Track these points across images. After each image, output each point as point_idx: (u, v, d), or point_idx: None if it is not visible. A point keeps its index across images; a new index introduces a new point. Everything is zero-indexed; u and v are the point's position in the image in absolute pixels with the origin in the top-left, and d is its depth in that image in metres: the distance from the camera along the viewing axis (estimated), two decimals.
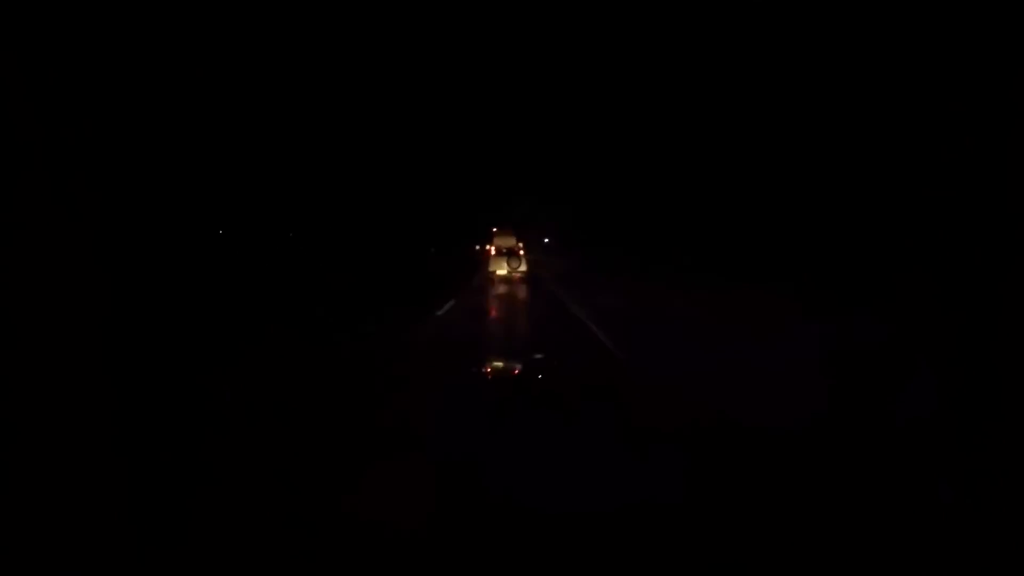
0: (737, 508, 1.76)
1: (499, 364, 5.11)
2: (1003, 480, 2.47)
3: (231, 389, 4.87)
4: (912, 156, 11.16)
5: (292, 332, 9.95)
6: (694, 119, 22.83)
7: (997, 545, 1.64)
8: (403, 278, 23.71)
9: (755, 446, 2.23)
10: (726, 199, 21.37)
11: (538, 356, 6.36)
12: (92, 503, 1.70)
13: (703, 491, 1.83)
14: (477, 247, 36.67)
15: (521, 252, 26.41)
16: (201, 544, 1.53)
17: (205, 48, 16.12)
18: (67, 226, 3.17)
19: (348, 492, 1.82)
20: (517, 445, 2.13)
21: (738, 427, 2.51)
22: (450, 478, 1.86)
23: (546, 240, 50.04)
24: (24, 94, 3.04)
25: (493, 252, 26.66)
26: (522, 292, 21.30)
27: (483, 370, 4.14)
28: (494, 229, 29.48)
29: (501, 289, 21.88)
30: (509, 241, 26.99)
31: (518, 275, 24.86)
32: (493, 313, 15.99)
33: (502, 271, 25.06)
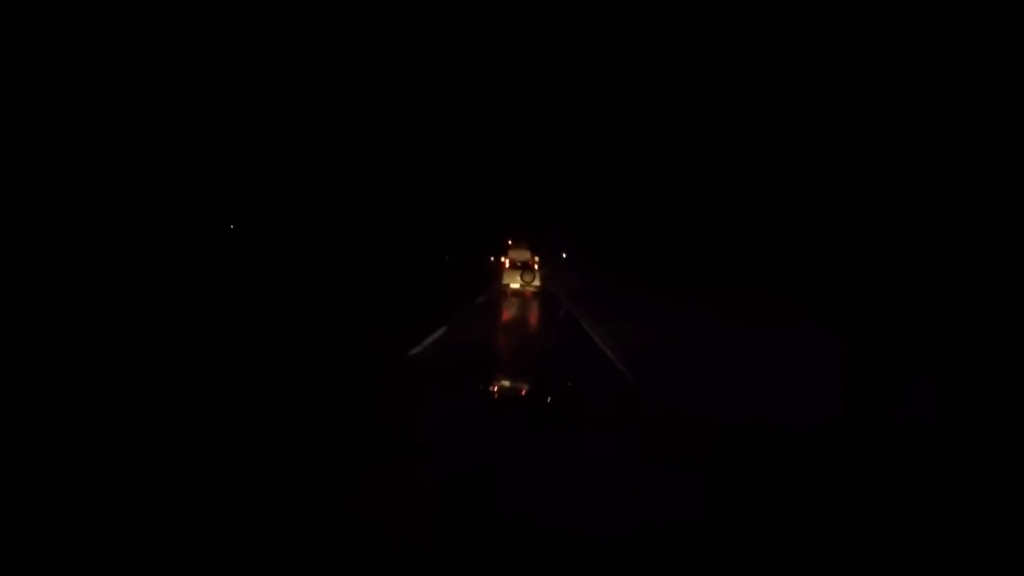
0: (747, 518, 1.75)
1: (507, 383, 4.98)
2: (1003, 479, 2.47)
3: (231, 389, 4.86)
4: (912, 156, 11.16)
5: (292, 332, 9.95)
6: (703, 123, 22.88)
7: (997, 545, 1.64)
8: (395, 290, 21.28)
9: (767, 452, 2.22)
10: (733, 200, 21.39)
11: (547, 375, 6.25)
12: (92, 503, 1.70)
13: (717, 510, 1.83)
14: (492, 258, 36.67)
15: (536, 266, 26.38)
16: (200, 544, 1.53)
17: (209, 51, 16.12)
18: (67, 226, 3.17)
19: (348, 495, 1.82)
20: (525, 468, 2.11)
21: (747, 433, 2.51)
22: (456, 499, 1.84)
23: (564, 255, 48.71)
24: (24, 94, 3.04)
25: (508, 265, 26.44)
26: (533, 315, 18.70)
27: (490, 389, 4.05)
28: (509, 242, 29.49)
29: (509, 311, 19.28)
30: (524, 255, 26.80)
31: (531, 290, 24.60)
32: (493, 348, 12.15)
33: (515, 284, 24.80)
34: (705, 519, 1.78)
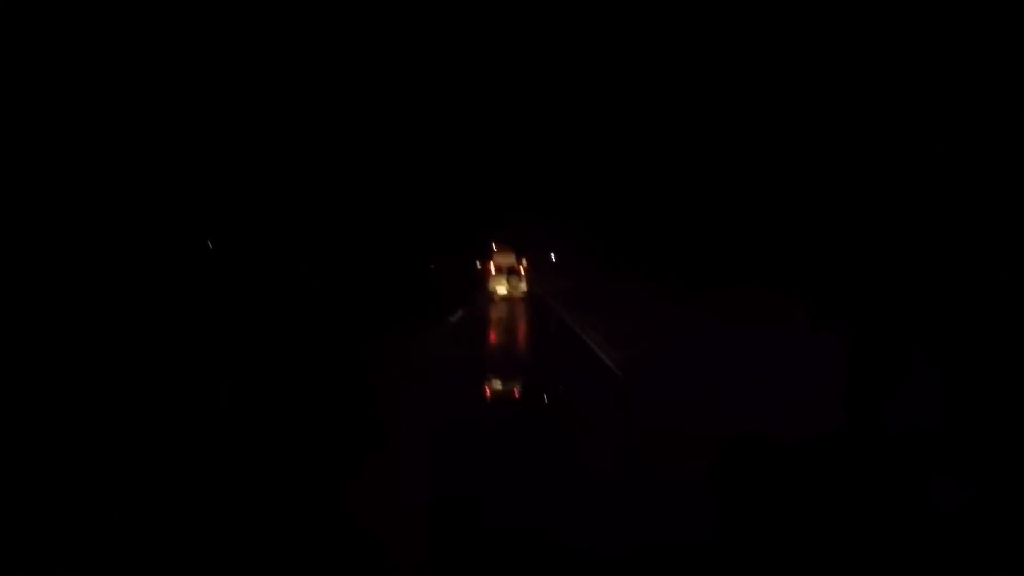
0: (747, 526, 1.75)
1: (498, 385, 4.96)
2: (1002, 479, 2.47)
3: (230, 389, 4.86)
4: (911, 156, 11.16)
5: (291, 332, 9.95)
6: (701, 121, 22.84)
7: (996, 545, 1.64)
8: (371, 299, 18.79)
9: (763, 457, 2.22)
10: (731, 199, 21.36)
11: (539, 377, 6.20)
12: (92, 502, 1.70)
13: (713, 517, 1.83)
14: (478, 264, 36.00)
15: (522, 270, 26.09)
16: (200, 543, 1.53)
17: (207, 51, 16.12)
18: (67, 226, 3.17)
19: (346, 486, 1.82)
20: (518, 467, 2.11)
21: (747, 437, 2.51)
22: (449, 500, 1.84)
23: (552, 257, 48.01)
24: (24, 94, 3.04)
25: (493, 271, 26.02)
26: (522, 327, 16.85)
27: (482, 390, 4.04)
28: (493, 246, 29.05)
29: (494, 316, 18.05)
30: (509, 259, 26.26)
31: (519, 295, 24.30)
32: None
33: (502, 290, 24.37)
34: (703, 525, 1.78)
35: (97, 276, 3.29)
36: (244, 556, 1.54)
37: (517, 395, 4.20)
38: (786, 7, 16.13)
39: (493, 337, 14.31)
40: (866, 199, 13.18)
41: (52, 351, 2.58)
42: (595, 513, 2.07)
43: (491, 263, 27.50)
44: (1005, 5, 8.40)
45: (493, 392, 4.64)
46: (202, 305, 11.71)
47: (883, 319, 8.66)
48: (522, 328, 16.67)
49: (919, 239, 9.79)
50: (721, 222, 22.50)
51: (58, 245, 2.91)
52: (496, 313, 19.57)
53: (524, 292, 24.70)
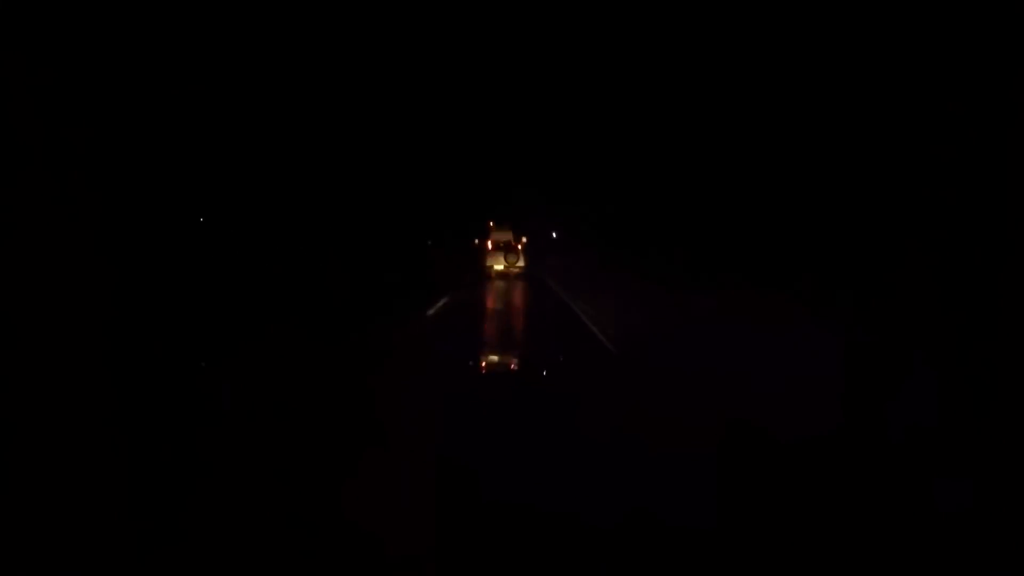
0: (736, 510, 1.76)
1: (495, 358, 4.98)
2: (1003, 480, 2.47)
3: (230, 388, 4.86)
4: (911, 155, 11.16)
5: (291, 329, 9.93)
6: (701, 120, 22.82)
7: (996, 546, 1.64)
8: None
9: (757, 449, 2.23)
10: (731, 198, 21.35)
11: (536, 351, 6.25)
12: (92, 501, 1.70)
13: (708, 497, 1.84)
14: (476, 241, 35.85)
15: (520, 247, 26.11)
16: (199, 542, 1.53)
17: (204, 46, 16.11)
18: (67, 226, 3.17)
19: (346, 485, 1.82)
20: (515, 441, 2.13)
21: (743, 428, 2.52)
22: (449, 475, 1.86)
23: (553, 235, 47.66)
24: (24, 94, 3.04)
25: (490, 247, 26.06)
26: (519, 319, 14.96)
27: (479, 365, 4.07)
28: (491, 223, 29.07)
29: (492, 294, 17.71)
30: (507, 235, 26.43)
31: (516, 271, 24.31)
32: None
33: (499, 266, 24.58)
34: (703, 508, 1.79)
35: (97, 276, 3.30)
36: (244, 556, 1.54)
37: (514, 367, 4.21)
38: (789, 6, 16.12)
39: (491, 305, 14.43)
40: (866, 199, 13.18)
41: (52, 351, 2.58)
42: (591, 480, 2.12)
43: (489, 240, 27.36)
44: (1005, 5, 8.40)
45: (489, 364, 4.66)
46: (202, 305, 11.70)
47: (883, 318, 8.66)
48: (519, 303, 16.69)
49: (919, 239, 9.79)
50: (720, 222, 22.49)
51: (58, 245, 2.91)
52: (493, 288, 19.51)
53: (521, 268, 24.50)
